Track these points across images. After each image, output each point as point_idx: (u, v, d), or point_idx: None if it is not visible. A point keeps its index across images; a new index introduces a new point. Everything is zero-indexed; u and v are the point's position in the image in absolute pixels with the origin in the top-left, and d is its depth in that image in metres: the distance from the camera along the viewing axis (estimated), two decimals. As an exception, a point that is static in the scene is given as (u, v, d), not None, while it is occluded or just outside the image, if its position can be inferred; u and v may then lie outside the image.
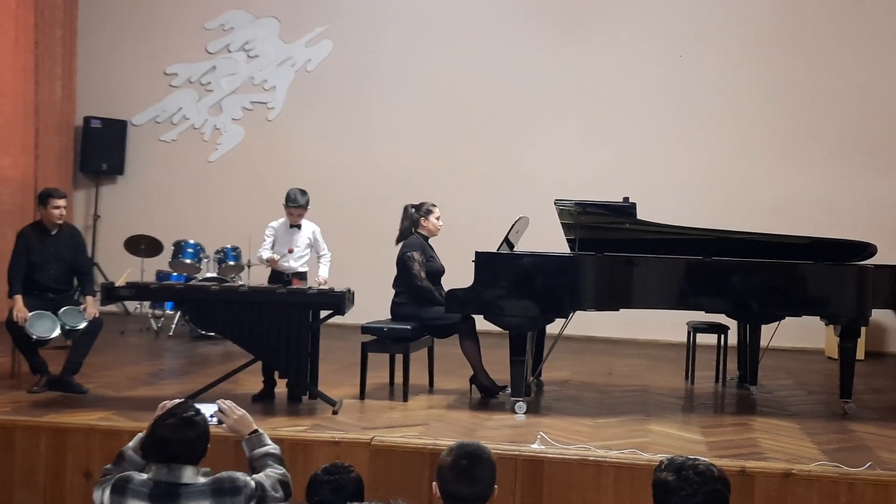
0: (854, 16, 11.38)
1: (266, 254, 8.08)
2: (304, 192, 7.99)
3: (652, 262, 7.12)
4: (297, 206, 7.95)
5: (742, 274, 7.17)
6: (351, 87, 12.18)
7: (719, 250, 7.28)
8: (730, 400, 8.05)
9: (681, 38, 11.62)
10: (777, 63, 11.46)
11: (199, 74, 12.47)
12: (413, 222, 7.81)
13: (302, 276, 8.15)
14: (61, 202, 7.47)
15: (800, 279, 7.19)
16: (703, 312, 7.45)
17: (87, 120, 12.27)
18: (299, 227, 8.10)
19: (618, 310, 7.21)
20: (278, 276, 8.01)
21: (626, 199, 7.44)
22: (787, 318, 7.65)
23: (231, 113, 12.44)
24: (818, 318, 7.43)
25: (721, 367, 8.51)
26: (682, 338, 8.95)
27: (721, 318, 8.28)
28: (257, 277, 8.72)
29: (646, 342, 11.10)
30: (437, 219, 7.85)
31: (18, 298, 7.17)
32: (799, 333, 9.93)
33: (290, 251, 8.02)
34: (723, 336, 8.50)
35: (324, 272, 8.11)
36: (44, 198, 7.52)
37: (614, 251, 7.19)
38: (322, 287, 7.45)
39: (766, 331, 8.06)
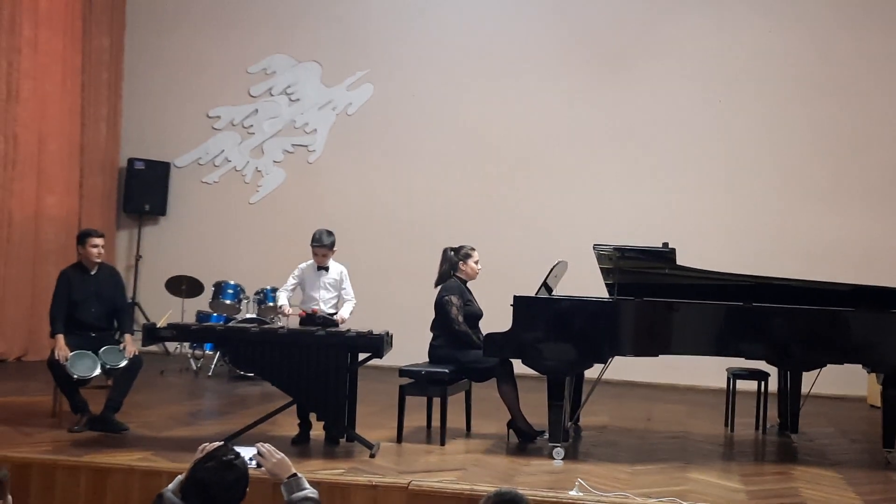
0: (895, 61, 11.33)
1: (282, 300, 7.98)
2: (329, 233, 7.86)
3: (691, 308, 7.08)
4: (320, 245, 7.79)
5: (782, 320, 7.11)
6: (391, 130, 12.28)
7: (759, 296, 7.23)
8: (770, 448, 7.96)
9: (719, 81, 11.61)
10: (817, 107, 11.42)
11: (242, 117, 12.63)
12: (452, 266, 7.83)
13: (331, 317, 8.01)
14: (99, 241, 7.58)
15: (841, 327, 7.11)
16: (743, 359, 7.39)
17: (130, 161, 12.45)
18: (327, 269, 7.98)
19: (657, 355, 7.17)
20: (309, 317, 7.81)
21: (665, 244, 7.40)
22: (828, 365, 7.56)
23: (272, 155, 12.57)
24: (860, 365, 7.35)
25: (761, 414, 8.41)
26: (721, 383, 8.89)
27: (761, 365, 8.19)
28: (296, 318, 8.71)
29: (685, 387, 11.02)
30: (476, 262, 7.86)
31: (60, 338, 7.26)
32: (840, 380, 9.78)
33: (315, 312, 7.86)
34: (763, 382, 8.41)
35: (345, 313, 7.90)
36: (82, 237, 7.65)
37: (653, 296, 7.16)
38: (348, 328, 7.45)
39: (808, 377, 7.96)
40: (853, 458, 7.43)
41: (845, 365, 7.29)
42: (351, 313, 7.94)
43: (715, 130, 11.62)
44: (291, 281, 8.03)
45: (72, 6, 11.68)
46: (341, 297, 8.06)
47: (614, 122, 11.81)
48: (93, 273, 7.58)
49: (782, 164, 11.46)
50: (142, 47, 12.74)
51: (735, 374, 8.54)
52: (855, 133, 11.37)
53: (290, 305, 8.02)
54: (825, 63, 11.44)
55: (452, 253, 7.87)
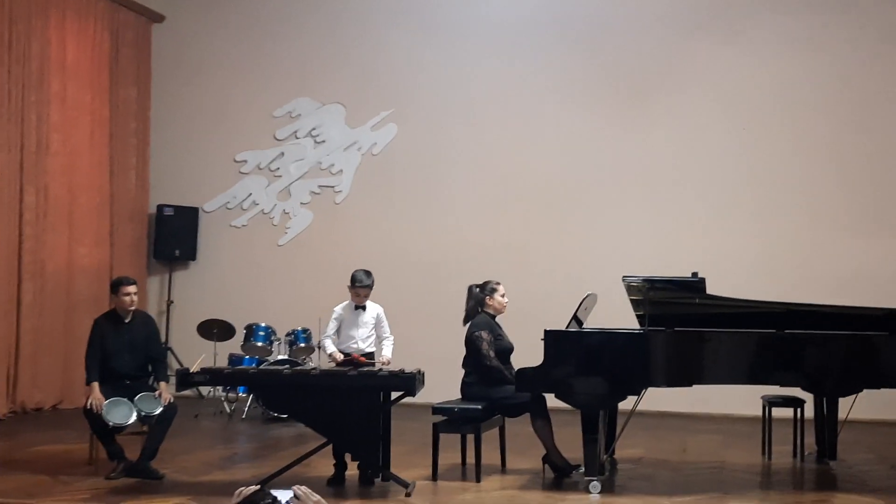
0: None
1: (330, 347, 7.94)
2: (368, 273, 7.93)
3: (723, 337, 7.06)
4: (363, 286, 7.86)
5: (816, 347, 7.06)
6: (416, 168, 12.34)
7: (792, 323, 7.19)
8: (809, 476, 7.88)
9: (743, 110, 11.59)
10: (842, 133, 11.36)
11: (268, 161, 12.74)
12: (478, 302, 7.83)
13: (369, 356, 8.04)
14: (131, 288, 7.62)
15: (876, 351, 7.05)
16: (777, 386, 7.33)
17: (159, 208, 12.57)
18: (364, 308, 8.05)
19: (690, 385, 7.13)
20: (347, 357, 7.89)
21: (694, 274, 7.39)
22: (864, 390, 7.49)
23: (299, 197, 12.65)
24: (897, 389, 7.28)
25: (799, 442, 8.33)
26: (757, 412, 8.82)
27: (797, 391, 8.12)
28: (328, 359, 8.74)
29: (720, 416, 10.93)
30: (503, 296, 7.85)
31: (95, 386, 7.31)
32: (878, 405, 9.61)
33: (356, 357, 7.84)
34: (799, 410, 8.33)
35: (387, 352, 7.89)
36: (115, 286, 7.71)
37: (684, 326, 7.14)
38: (386, 366, 7.46)
39: (844, 403, 7.89)
40: (894, 485, 7.34)
41: (882, 390, 7.23)
42: (392, 350, 7.92)
43: (741, 159, 11.58)
44: (333, 324, 8.00)
45: (98, 59, 11.86)
46: (377, 336, 8.08)
47: (639, 155, 11.81)
48: (127, 322, 7.63)
49: (809, 190, 11.40)
50: (168, 96, 12.91)
51: (770, 402, 8.47)
52: (881, 157, 11.29)
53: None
54: (849, 89, 11.40)
55: (478, 289, 7.87)
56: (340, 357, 7.84)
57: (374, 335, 8.02)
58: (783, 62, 11.58)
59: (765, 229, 11.42)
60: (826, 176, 11.39)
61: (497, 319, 7.85)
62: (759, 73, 11.62)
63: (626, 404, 7.42)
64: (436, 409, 7.43)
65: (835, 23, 11.49)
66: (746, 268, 11.13)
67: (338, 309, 8.02)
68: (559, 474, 7.38)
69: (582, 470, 7.05)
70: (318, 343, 10.07)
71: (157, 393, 7.44)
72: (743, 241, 11.42)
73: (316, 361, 10.57)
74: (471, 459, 7.46)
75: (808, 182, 11.41)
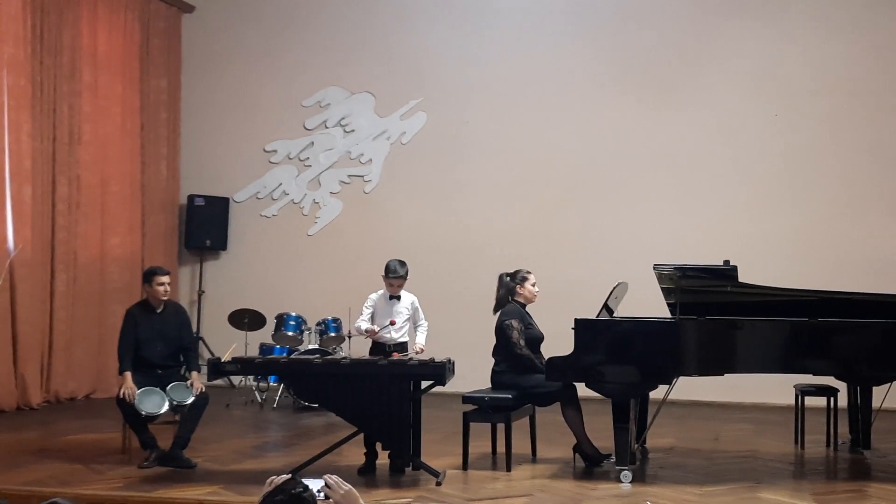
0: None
1: (365, 325, 8.01)
2: (402, 263, 8.00)
3: (756, 325, 7.00)
4: (396, 276, 7.94)
5: (849, 335, 7.00)
6: (445, 157, 12.32)
7: (825, 311, 7.12)
8: (842, 465, 7.81)
9: (775, 95, 11.48)
10: (877, 117, 11.23)
11: (298, 150, 12.76)
12: (509, 291, 7.81)
13: (402, 346, 8.11)
14: (165, 278, 7.68)
15: (911, 339, 6.97)
16: (810, 375, 7.27)
17: (190, 198, 12.63)
18: (399, 298, 8.08)
19: (722, 374, 7.08)
20: (380, 347, 7.97)
21: (726, 261, 7.34)
22: (899, 378, 7.42)
23: (329, 187, 12.67)
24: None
25: (832, 431, 8.26)
26: (789, 400, 8.77)
27: (830, 380, 8.05)
28: (358, 348, 8.79)
29: (752, 405, 10.86)
30: (533, 285, 7.84)
31: (128, 375, 7.36)
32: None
33: (392, 323, 7.96)
34: (832, 398, 8.26)
35: (421, 340, 8.04)
36: (148, 276, 7.76)
37: (716, 315, 7.09)
38: (419, 355, 7.52)
39: (879, 392, 7.82)
40: (929, 474, 7.27)
41: (917, 378, 7.16)
42: (425, 338, 8.07)
43: (774, 143, 11.47)
44: (367, 311, 8.08)
45: (129, 49, 11.92)
46: (413, 322, 8.14)
47: (670, 141, 11.72)
48: (159, 311, 7.68)
49: (843, 176, 11.28)
50: (198, 86, 12.95)
51: (803, 391, 8.41)
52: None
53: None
54: (883, 71, 11.27)
55: (508, 278, 7.85)
56: (377, 329, 7.83)
57: (408, 326, 8.09)
58: (818, 44, 11.43)
59: (798, 215, 11.31)
60: (862, 160, 11.25)
61: (527, 308, 7.84)
62: (794, 56, 11.48)
63: (657, 393, 7.39)
64: (466, 398, 7.44)
65: (873, 3, 11.35)
66: (780, 255, 11.04)
67: (373, 296, 8.08)
68: (590, 463, 7.36)
69: (613, 459, 7.03)
70: (349, 332, 10.15)
71: (188, 382, 7.49)
72: (776, 227, 11.31)
73: (346, 351, 10.59)
74: (501, 448, 7.45)
75: (843, 167, 11.29)
